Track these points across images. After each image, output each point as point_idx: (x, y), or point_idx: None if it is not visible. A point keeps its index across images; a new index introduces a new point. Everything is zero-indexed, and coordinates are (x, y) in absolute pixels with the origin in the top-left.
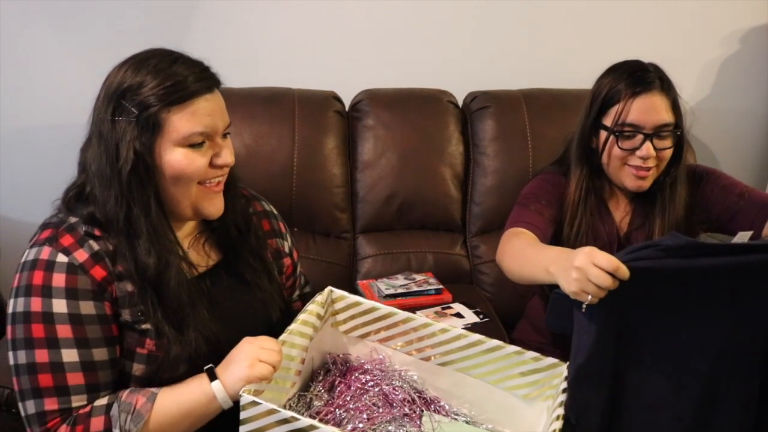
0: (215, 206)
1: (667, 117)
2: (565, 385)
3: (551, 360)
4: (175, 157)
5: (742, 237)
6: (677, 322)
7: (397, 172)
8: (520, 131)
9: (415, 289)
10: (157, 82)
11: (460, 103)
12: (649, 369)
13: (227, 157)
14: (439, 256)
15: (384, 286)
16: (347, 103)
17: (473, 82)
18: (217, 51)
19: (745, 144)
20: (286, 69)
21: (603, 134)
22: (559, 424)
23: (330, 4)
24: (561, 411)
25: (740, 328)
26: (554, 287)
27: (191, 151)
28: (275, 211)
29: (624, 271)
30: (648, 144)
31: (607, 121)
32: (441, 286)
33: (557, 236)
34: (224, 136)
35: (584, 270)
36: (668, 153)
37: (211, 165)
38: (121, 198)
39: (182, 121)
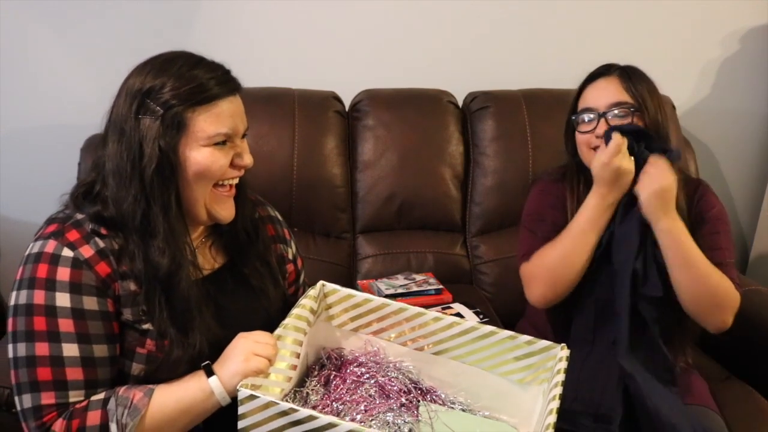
0: (227, 210)
1: (620, 96)
2: (559, 366)
3: (545, 343)
4: (200, 155)
5: None
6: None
7: (397, 172)
8: (520, 131)
9: (415, 289)
10: (181, 83)
11: (460, 103)
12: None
13: (248, 158)
14: (439, 256)
15: (384, 286)
16: (347, 103)
17: (473, 82)
18: (217, 51)
19: (745, 144)
20: (286, 69)
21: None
22: (556, 404)
23: (330, 4)
24: (558, 391)
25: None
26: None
27: (215, 150)
28: (280, 218)
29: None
30: (603, 122)
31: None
32: (441, 286)
33: None
34: (242, 137)
35: (609, 166)
36: None
37: (232, 165)
38: (140, 196)
39: (207, 122)
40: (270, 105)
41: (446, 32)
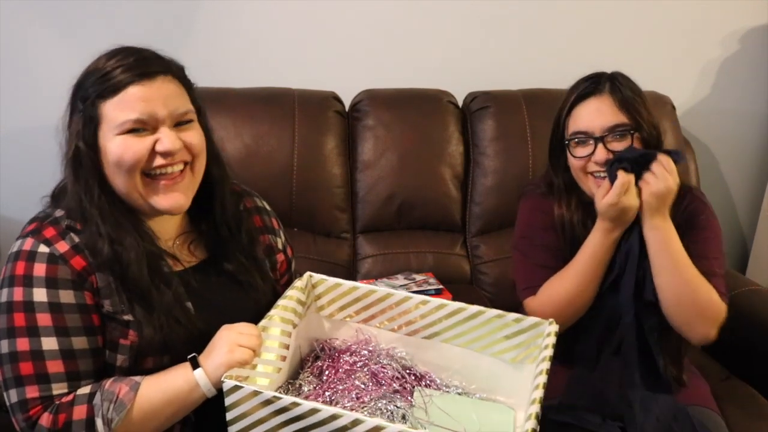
0: (168, 201)
1: (615, 118)
2: (547, 341)
3: (533, 319)
4: (113, 144)
5: None
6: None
7: (397, 172)
8: (520, 131)
9: (415, 289)
10: (95, 76)
11: (460, 103)
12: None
13: (166, 143)
14: (439, 256)
15: (384, 286)
16: (347, 103)
17: (473, 82)
18: (217, 51)
19: (745, 144)
20: (286, 69)
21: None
22: (543, 379)
23: (330, 3)
24: (545, 366)
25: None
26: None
27: (129, 137)
28: (268, 207)
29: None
30: (601, 147)
31: (565, 134)
32: (441, 286)
33: None
34: (181, 124)
35: (617, 206)
36: None
37: (155, 152)
38: (73, 189)
39: (116, 111)
40: (270, 105)
41: (446, 32)
